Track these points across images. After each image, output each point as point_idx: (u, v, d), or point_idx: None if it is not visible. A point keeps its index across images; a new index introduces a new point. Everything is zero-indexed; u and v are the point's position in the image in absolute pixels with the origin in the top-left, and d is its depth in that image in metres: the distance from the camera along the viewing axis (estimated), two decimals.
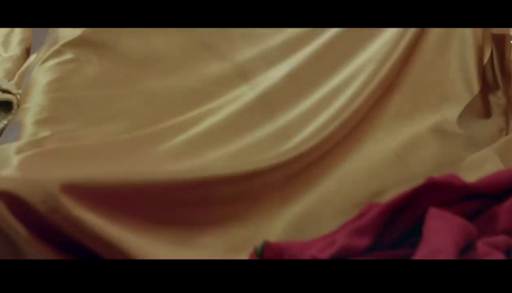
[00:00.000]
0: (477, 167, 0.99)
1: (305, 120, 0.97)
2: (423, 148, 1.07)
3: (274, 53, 1.12)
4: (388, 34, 1.12)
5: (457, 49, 1.18)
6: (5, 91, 1.00)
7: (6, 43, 1.49)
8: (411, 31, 1.12)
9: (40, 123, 0.88)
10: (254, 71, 1.09)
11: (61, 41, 1.06)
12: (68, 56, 1.03)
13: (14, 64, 1.34)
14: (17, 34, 1.51)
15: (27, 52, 1.41)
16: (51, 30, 1.19)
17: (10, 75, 1.30)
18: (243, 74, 1.08)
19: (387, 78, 1.06)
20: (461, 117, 1.14)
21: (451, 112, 1.14)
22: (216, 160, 0.88)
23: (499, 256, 0.70)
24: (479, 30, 1.20)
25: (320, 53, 1.11)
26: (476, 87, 1.17)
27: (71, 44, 1.05)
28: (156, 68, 1.08)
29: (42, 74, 1.00)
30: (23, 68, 1.27)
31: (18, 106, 0.97)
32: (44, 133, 0.86)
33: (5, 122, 0.95)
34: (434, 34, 1.17)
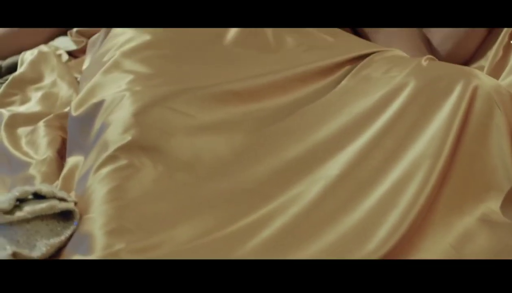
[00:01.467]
0: None
1: (376, 220, 0.96)
2: (476, 239, 1.07)
3: (321, 149, 1.13)
4: (434, 127, 1.13)
5: (495, 138, 1.19)
6: (61, 199, 0.98)
7: (32, 144, 1.48)
8: (456, 123, 1.14)
9: (111, 234, 0.87)
10: (305, 169, 1.09)
11: (113, 146, 1.06)
12: (122, 161, 1.03)
13: (50, 167, 1.33)
14: (42, 135, 1.49)
15: (59, 154, 1.40)
16: (93, 133, 1.18)
17: (48, 179, 1.28)
18: (296, 172, 1.08)
19: (442, 173, 1.07)
20: (503, 206, 1.15)
21: (495, 202, 1.15)
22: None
23: None
24: (511, 117, 1.22)
25: (368, 150, 1.11)
26: None
27: (124, 149, 1.05)
28: (207, 170, 1.07)
29: (99, 183, 0.99)
30: (64, 171, 1.25)
31: (80, 216, 0.95)
32: (119, 245, 0.85)
33: (69, 232, 0.93)
34: (474, 124, 1.18)
